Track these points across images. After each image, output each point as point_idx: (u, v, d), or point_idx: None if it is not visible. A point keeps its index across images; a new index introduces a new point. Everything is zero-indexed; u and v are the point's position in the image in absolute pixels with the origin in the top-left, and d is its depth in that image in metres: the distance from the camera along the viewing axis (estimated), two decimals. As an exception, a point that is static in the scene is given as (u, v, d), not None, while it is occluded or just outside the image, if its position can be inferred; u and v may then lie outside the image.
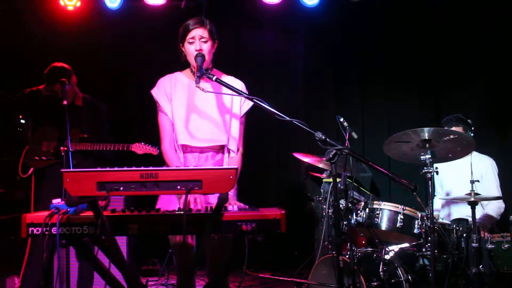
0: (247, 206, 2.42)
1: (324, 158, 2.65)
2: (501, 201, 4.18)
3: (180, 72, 3.01)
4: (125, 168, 2.09)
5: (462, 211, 4.12)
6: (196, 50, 2.81)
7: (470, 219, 3.63)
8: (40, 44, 5.60)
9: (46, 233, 2.14)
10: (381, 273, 3.59)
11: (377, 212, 3.79)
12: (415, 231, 3.71)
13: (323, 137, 2.36)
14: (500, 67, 5.55)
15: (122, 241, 4.20)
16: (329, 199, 4.19)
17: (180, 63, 2.98)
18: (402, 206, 3.77)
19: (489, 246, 3.66)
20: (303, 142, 5.65)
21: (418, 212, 3.75)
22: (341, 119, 4.24)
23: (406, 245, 3.92)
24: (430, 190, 3.42)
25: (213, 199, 2.69)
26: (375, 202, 3.86)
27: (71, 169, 3.07)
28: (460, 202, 4.14)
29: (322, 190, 4.54)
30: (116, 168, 2.09)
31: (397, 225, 3.73)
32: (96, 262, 2.39)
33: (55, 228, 2.16)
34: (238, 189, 2.96)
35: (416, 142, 3.51)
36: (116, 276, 2.44)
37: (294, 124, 2.41)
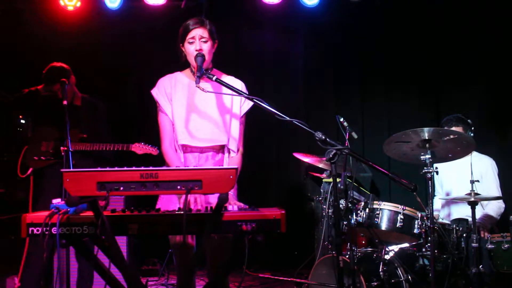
0: (247, 206, 2.42)
1: (324, 158, 2.65)
2: (501, 201, 4.18)
3: (180, 72, 3.01)
4: (125, 168, 2.09)
5: (462, 211, 4.12)
6: (196, 50, 2.81)
7: (470, 219, 3.63)
8: (40, 44, 5.59)
9: (46, 233, 2.15)
10: (381, 273, 3.59)
11: (377, 212, 3.79)
12: (415, 231, 3.71)
13: (323, 137, 2.36)
14: (500, 67, 5.55)
15: (122, 241, 4.20)
16: (329, 199, 4.19)
17: (180, 63, 2.98)
18: (402, 206, 3.77)
19: (489, 246, 3.66)
20: (303, 142, 5.65)
21: (418, 212, 3.75)
22: (341, 119, 4.24)
23: (406, 245, 3.92)
24: (430, 190, 3.42)
25: (213, 199, 2.69)
26: (375, 202, 3.86)
27: (71, 169, 3.07)
28: (460, 202, 4.14)
29: (322, 190, 4.54)
30: (116, 168, 2.09)
31: (397, 225, 3.73)
32: (96, 262, 2.39)
33: (55, 228, 2.16)
34: (238, 189, 2.96)
35: (416, 142, 3.51)
36: (116, 276, 2.44)
37: (294, 124, 2.41)
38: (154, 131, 3.08)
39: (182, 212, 2.18)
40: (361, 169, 5.36)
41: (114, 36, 5.81)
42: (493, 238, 3.71)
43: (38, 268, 3.91)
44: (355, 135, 4.34)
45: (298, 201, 5.76)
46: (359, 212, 3.84)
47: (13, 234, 5.10)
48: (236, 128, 2.95)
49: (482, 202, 4.12)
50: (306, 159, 4.46)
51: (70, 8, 5.55)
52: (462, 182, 4.06)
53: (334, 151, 2.31)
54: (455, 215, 4.23)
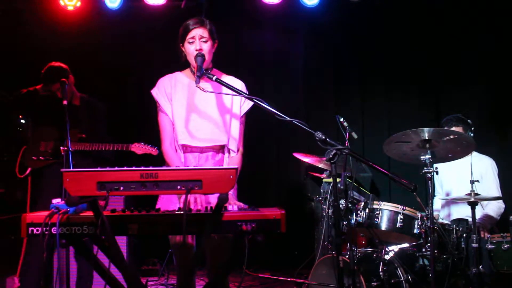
0: (247, 206, 2.42)
1: (324, 158, 2.65)
2: (501, 201, 4.18)
3: (180, 72, 3.01)
4: (125, 168, 2.09)
5: (462, 211, 4.12)
6: (196, 50, 2.81)
7: (470, 219, 3.63)
8: (40, 44, 5.59)
9: (46, 233, 2.15)
10: (381, 273, 3.59)
11: (377, 212, 3.79)
12: (415, 231, 3.71)
13: (323, 137, 2.35)
14: (500, 67, 5.55)
15: (122, 241, 4.20)
16: (329, 199, 4.19)
17: (180, 63, 2.98)
18: (402, 206, 3.77)
19: (489, 246, 3.66)
20: (303, 142, 5.65)
21: (418, 212, 3.75)
22: (341, 119, 4.25)
23: (406, 245, 3.92)
24: (430, 190, 3.42)
25: (213, 199, 2.69)
26: (375, 202, 3.86)
27: (71, 169, 3.07)
28: (460, 202, 4.14)
29: (322, 190, 4.54)
30: (116, 168, 2.09)
31: (397, 225, 3.73)
32: (96, 262, 2.39)
33: (55, 228, 2.16)
34: (238, 189, 2.97)
35: (416, 142, 3.51)
36: (116, 276, 2.44)
37: (294, 124, 2.41)
38: (154, 131, 3.08)
39: (182, 212, 2.18)
40: (361, 169, 5.36)
41: (114, 36, 5.81)
42: (493, 238, 3.71)
43: (37, 268, 3.90)
44: (355, 135, 4.34)
45: (298, 201, 5.76)
46: (359, 212, 3.84)
47: (13, 234, 5.11)
48: (236, 128, 2.95)
49: (482, 202, 4.12)
50: (306, 159, 4.46)
51: (70, 8, 5.55)
52: (462, 182, 4.06)
53: (334, 151, 2.31)
54: (455, 215, 4.22)
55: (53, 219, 2.17)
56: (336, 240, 2.40)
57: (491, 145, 5.11)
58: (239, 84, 2.99)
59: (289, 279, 4.82)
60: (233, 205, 2.33)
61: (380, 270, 3.60)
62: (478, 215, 3.80)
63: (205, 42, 2.85)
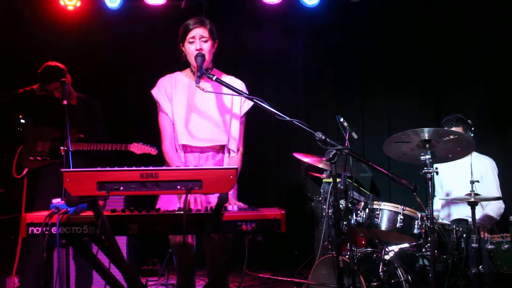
0: (247, 206, 2.42)
1: (324, 158, 2.65)
2: (501, 201, 4.18)
3: (180, 72, 3.01)
4: (125, 168, 2.09)
5: (462, 212, 4.12)
6: (196, 50, 2.81)
7: (470, 219, 3.63)
8: (40, 44, 5.59)
9: (46, 233, 2.15)
10: (381, 273, 3.59)
11: (377, 212, 3.79)
12: (415, 231, 3.71)
13: (323, 137, 2.35)
14: (500, 67, 5.55)
15: (122, 241, 4.20)
16: (329, 199, 4.19)
17: (180, 63, 2.99)
18: (402, 206, 3.76)
19: (489, 247, 3.66)
20: (303, 142, 5.65)
21: (418, 213, 3.75)
22: (341, 119, 4.25)
23: (406, 245, 3.92)
24: (430, 190, 3.42)
25: (214, 199, 2.69)
26: (375, 202, 3.86)
27: (71, 169, 3.07)
28: (460, 202, 4.14)
29: (322, 190, 4.54)
30: (116, 168, 2.09)
31: (397, 225, 3.73)
32: (96, 262, 2.39)
33: (55, 228, 2.16)
34: (238, 189, 2.97)
35: (416, 142, 3.51)
36: (116, 276, 2.44)
37: (294, 124, 2.41)
38: (154, 131, 3.08)
39: (182, 212, 2.18)
40: (361, 169, 5.36)
41: (114, 36, 5.81)
42: (493, 239, 3.70)
43: (36, 268, 3.90)
44: (355, 135, 4.34)
45: (298, 201, 5.76)
46: (359, 212, 3.84)
47: (13, 234, 5.10)
48: (236, 128, 2.95)
49: (482, 202, 4.12)
50: (306, 159, 4.46)
51: (70, 8, 5.55)
52: (462, 182, 4.06)
53: (334, 151, 2.31)
54: (455, 216, 4.22)
55: (53, 219, 2.17)
56: (336, 240, 2.40)
57: (491, 145, 5.11)
58: (239, 84, 2.99)
59: (289, 279, 4.82)
60: (233, 205, 2.34)
61: (380, 270, 3.60)
62: (478, 215, 3.80)
63: (205, 42, 2.85)
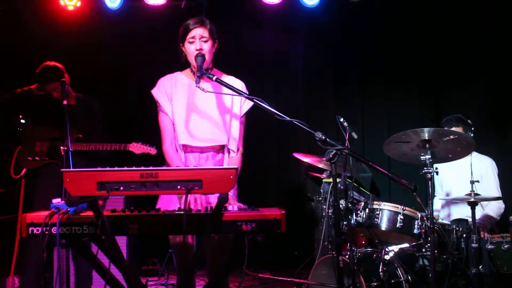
0: (246, 206, 2.42)
1: (324, 158, 2.65)
2: (501, 201, 4.18)
3: (180, 72, 3.01)
4: (125, 168, 2.09)
5: (462, 212, 4.12)
6: (197, 50, 2.81)
7: (470, 219, 3.63)
8: (40, 44, 5.59)
9: (46, 233, 2.15)
10: (381, 273, 3.59)
11: (377, 212, 3.79)
12: (415, 231, 3.71)
13: (323, 137, 2.35)
14: (500, 67, 5.55)
15: (122, 241, 4.20)
16: (329, 199, 4.19)
17: (180, 63, 2.99)
18: (402, 206, 3.77)
19: (489, 247, 3.66)
20: (303, 142, 5.65)
21: (418, 213, 3.75)
22: (341, 119, 4.25)
23: (406, 245, 3.92)
24: (430, 190, 3.42)
25: (214, 199, 2.69)
26: (375, 202, 3.86)
27: (71, 169, 3.07)
28: (460, 202, 4.14)
29: (322, 190, 4.54)
30: (116, 168, 2.09)
31: (397, 225, 3.73)
32: (96, 262, 2.39)
33: (55, 228, 2.16)
34: (238, 189, 2.96)
35: (416, 142, 3.51)
36: (116, 276, 2.44)
37: (294, 124, 2.41)
38: (154, 131, 3.08)
39: (182, 212, 2.18)
40: (361, 169, 5.36)
41: (114, 36, 5.80)
42: (493, 239, 3.71)
43: (36, 268, 3.90)
44: (355, 135, 4.34)
45: (298, 201, 5.76)
46: (359, 212, 3.84)
47: (13, 234, 5.09)
48: (236, 128, 2.95)
49: (482, 202, 4.12)
50: (306, 159, 4.46)
51: (70, 8, 5.55)
52: (462, 182, 4.06)
53: (334, 151, 2.31)
54: (455, 216, 4.23)
55: (53, 219, 2.17)
56: (336, 240, 2.40)
57: (491, 145, 5.11)
58: (239, 84, 2.98)
59: (289, 279, 4.82)
60: (233, 205, 2.33)
61: (380, 270, 3.60)
62: (478, 215, 3.80)
63: (205, 42, 2.85)
